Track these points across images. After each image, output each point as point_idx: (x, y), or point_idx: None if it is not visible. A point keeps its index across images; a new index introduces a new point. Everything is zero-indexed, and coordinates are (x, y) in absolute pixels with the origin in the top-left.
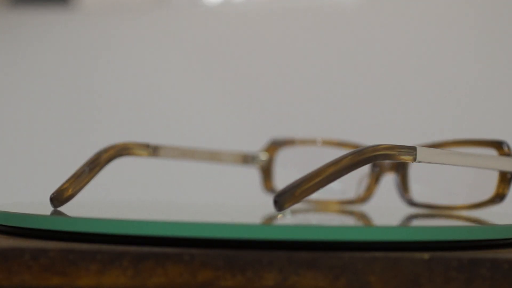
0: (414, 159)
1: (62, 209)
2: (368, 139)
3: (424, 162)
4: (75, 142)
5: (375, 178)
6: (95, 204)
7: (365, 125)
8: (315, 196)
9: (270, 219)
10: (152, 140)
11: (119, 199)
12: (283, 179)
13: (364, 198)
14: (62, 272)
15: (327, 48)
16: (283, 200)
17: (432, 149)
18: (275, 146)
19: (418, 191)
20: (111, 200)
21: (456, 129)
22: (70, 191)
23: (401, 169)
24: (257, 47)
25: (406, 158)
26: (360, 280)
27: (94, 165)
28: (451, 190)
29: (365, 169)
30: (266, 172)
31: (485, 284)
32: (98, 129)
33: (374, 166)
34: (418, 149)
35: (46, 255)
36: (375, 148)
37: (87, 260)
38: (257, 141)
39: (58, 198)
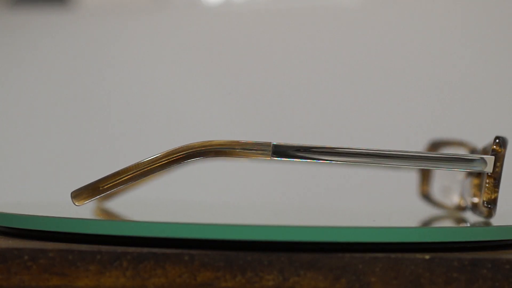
0: (270, 156)
1: (67, 208)
2: (368, 139)
3: (282, 159)
4: (74, 142)
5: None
6: (95, 204)
7: (365, 125)
8: (444, 200)
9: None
10: (151, 140)
11: (122, 199)
12: (441, 183)
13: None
14: (62, 273)
15: (327, 48)
16: (77, 193)
17: (290, 145)
18: (434, 147)
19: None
20: (114, 201)
21: (457, 130)
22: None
23: (476, 176)
24: (257, 47)
25: (258, 154)
26: (360, 280)
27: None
28: None
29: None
30: (425, 175)
31: (486, 285)
32: (97, 129)
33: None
34: (274, 144)
35: (45, 255)
36: (203, 144)
37: (86, 260)
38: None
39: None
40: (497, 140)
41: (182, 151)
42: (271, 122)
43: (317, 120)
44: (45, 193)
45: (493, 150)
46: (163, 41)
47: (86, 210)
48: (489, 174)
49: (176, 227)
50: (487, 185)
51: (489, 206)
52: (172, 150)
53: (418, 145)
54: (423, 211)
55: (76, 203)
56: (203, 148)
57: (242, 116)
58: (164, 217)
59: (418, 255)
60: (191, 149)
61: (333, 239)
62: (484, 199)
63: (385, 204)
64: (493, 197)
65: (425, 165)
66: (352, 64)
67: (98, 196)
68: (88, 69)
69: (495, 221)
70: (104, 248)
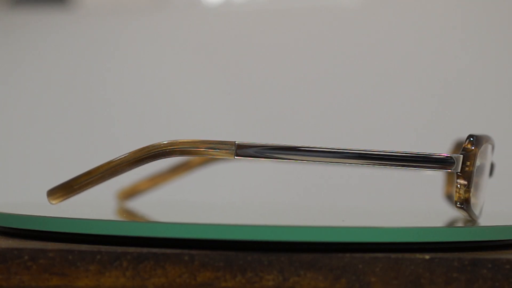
0: (234, 155)
1: (67, 208)
2: (368, 140)
3: (246, 158)
4: (74, 142)
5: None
6: (96, 204)
7: (366, 125)
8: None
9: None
10: (151, 140)
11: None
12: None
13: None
14: (62, 273)
15: (327, 48)
16: (52, 192)
17: (254, 144)
18: (459, 147)
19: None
20: (110, 200)
21: (458, 130)
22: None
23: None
24: (257, 47)
25: (223, 153)
26: (360, 280)
27: (177, 166)
28: None
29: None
30: (450, 175)
31: (486, 285)
32: (97, 129)
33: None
34: (238, 143)
35: (45, 255)
36: (170, 143)
37: (86, 260)
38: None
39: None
40: (471, 139)
41: (149, 151)
42: (271, 122)
43: (317, 120)
44: (45, 193)
45: (464, 148)
46: (163, 41)
47: (86, 210)
48: (458, 173)
49: (176, 227)
50: (457, 185)
51: (462, 206)
52: (140, 149)
53: (418, 145)
54: (425, 212)
55: (52, 202)
56: (169, 148)
57: (242, 116)
58: (184, 218)
59: (418, 255)
60: (157, 148)
61: (333, 239)
62: (455, 199)
63: (385, 204)
64: (464, 197)
65: (388, 164)
66: (352, 64)
67: (72, 195)
68: (88, 69)
69: (495, 221)
70: (104, 248)
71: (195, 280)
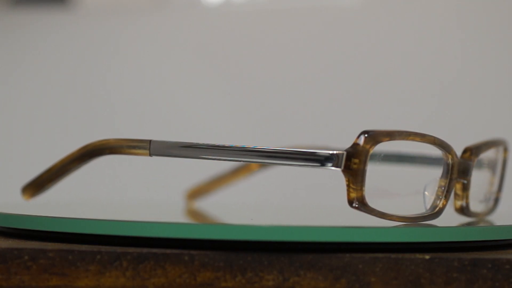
0: (150, 153)
1: (67, 208)
2: None
3: (161, 156)
4: (74, 142)
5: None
6: (95, 205)
7: (365, 125)
8: None
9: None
10: None
11: (118, 199)
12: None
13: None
14: (62, 273)
15: (327, 48)
16: (24, 190)
17: (167, 141)
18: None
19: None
20: (110, 200)
21: (458, 130)
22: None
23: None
24: (257, 48)
25: (140, 152)
26: (360, 281)
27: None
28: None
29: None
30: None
31: (486, 285)
32: (97, 129)
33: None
34: (152, 142)
35: (45, 255)
36: (100, 142)
37: (86, 260)
38: (257, 141)
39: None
40: (365, 135)
41: (88, 150)
42: (270, 122)
43: (317, 120)
44: (45, 193)
45: (353, 145)
46: (163, 41)
47: (85, 210)
48: (342, 171)
49: (176, 227)
50: (346, 182)
51: (356, 206)
52: (83, 147)
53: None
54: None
55: (24, 199)
56: (100, 147)
57: (241, 116)
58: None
59: (418, 255)
60: (93, 147)
61: (333, 239)
62: (347, 198)
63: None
64: (354, 195)
65: (267, 162)
66: (352, 64)
67: (40, 191)
68: (88, 69)
69: (495, 221)
70: (104, 248)
71: (195, 280)
